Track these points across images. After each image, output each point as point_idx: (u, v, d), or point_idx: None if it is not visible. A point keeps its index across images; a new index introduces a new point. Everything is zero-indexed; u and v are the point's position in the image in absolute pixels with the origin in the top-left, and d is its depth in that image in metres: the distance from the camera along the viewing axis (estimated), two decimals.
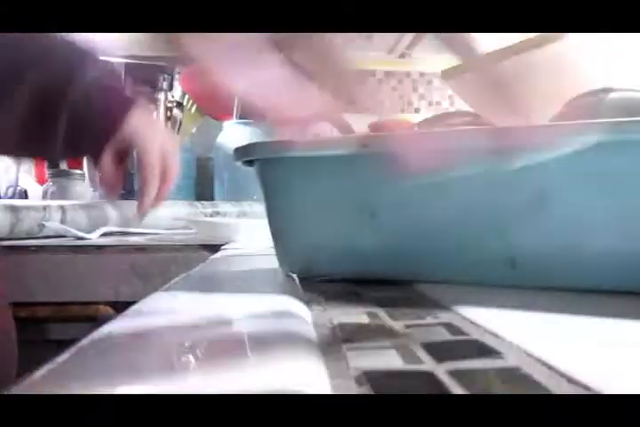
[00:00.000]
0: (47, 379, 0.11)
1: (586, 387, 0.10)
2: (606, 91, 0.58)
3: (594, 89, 0.64)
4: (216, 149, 1.14)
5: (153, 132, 0.44)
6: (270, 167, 0.25)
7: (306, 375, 0.11)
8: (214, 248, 0.49)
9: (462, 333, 0.15)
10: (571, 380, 0.11)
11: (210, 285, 0.26)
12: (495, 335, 0.14)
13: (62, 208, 0.59)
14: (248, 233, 0.51)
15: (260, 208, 0.92)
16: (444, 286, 0.22)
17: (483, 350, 0.13)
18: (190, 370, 0.12)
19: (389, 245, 0.23)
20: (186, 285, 0.25)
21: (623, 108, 0.49)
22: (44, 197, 0.87)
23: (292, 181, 0.25)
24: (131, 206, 0.64)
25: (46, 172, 0.92)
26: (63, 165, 0.93)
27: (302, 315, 0.17)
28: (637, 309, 0.18)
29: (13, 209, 0.56)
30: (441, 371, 0.11)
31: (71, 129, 0.41)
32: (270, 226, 0.26)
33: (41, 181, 0.99)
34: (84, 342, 0.14)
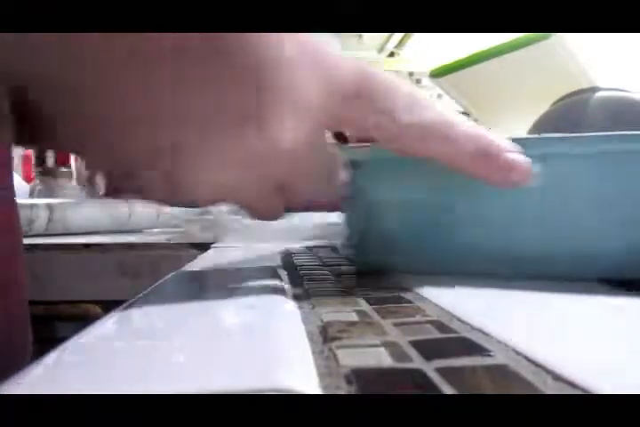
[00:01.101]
0: (33, 379, 0.11)
1: (572, 384, 0.10)
2: (592, 90, 0.59)
3: (580, 88, 0.64)
4: None
5: None
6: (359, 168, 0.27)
7: (294, 373, 0.11)
8: (204, 246, 0.49)
9: (451, 330, 0.15)
10: (557, 377, 0.11)
11: (198, 283, 0.26)
12: (484, 333, 0.14)
13: (50, 207, 0.59)
14: (239, 231, 0.51)
15: None
16: (432, 283, 0.22)
17: (471, 348, 0.13)
18: (177, 369, 0.12)
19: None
20: (174, 283, 0.25)
21: (609, 107, 0.50)
22: (32, 195, 0.86)
23: (379, 182, 0.26)
24: (119, 206, 0.64)
25: (33, 170, 0.91)
26: (50, 163, 0.92)
27: (291, 313, 0.17)
28: (626, 306, 0.19)
29: None
30: (430, 369, 0.12)
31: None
32: (353, 222, 0.28)
33: (28, 180, 0.98)
34: (72, 341, 0.14)
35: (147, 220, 0.67)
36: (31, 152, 0.98)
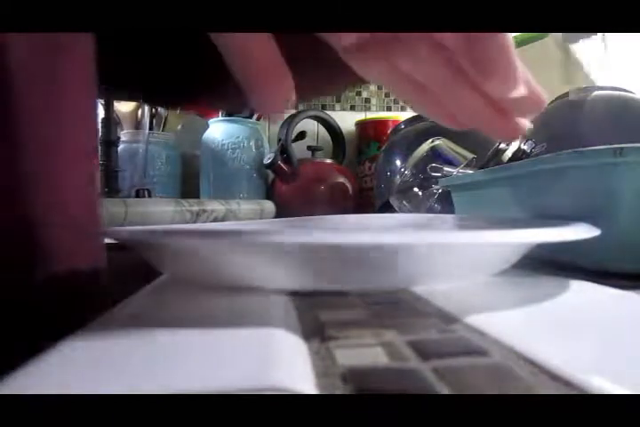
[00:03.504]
0: (28, 378, 0.11)
1: (568, 383, 0.10)
2: (590, 89, 0.59)
3: (578, 87, 0.64)
4: (202, 146, 1.13)
5: None
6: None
7: (291, 373, 0.11)
8: None
9: (448, 330, 0.15)
10: (554, 377, 0.11)
11: (191, 284, 0.26)
12: (480, 333, 0.14)
13: None
14: None
15: (246, 206, 0.92)
16: (429, 283, 0.22)
17: (468, 348, 0.13)
18: (174, 369, 0.12)
19: None
20: (168, 284, 0.25)
21: (606, 106, 0.50)
22: None
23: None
24: (116, 205, 0.63)
25: None
26: None
27: (288, 312, 0.17)
28: (625, 306, 0.19)
29: None
30: (426, 368, 0.12)
31: None
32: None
33: None
34: (67, 341, 0.14)
35: (143, 220, 0.67)
36: None
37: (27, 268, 0.24)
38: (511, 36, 0.20)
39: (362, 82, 0.39)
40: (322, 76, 0.37)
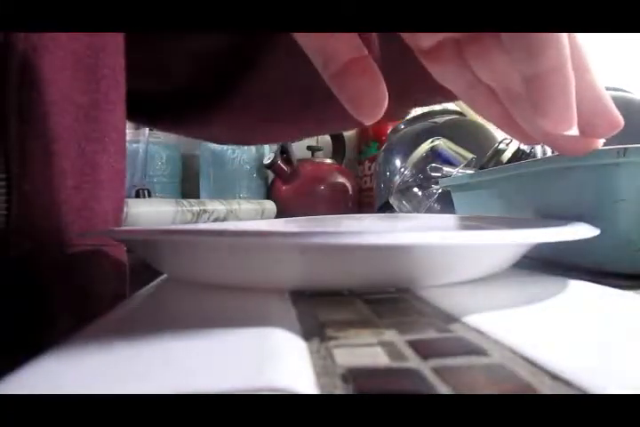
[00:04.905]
0: (28, 378, 0.11)
1: (568, 383, 0.10)
2: None
3: None
4: (202, 146, 1.13)
5: None
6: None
7: (291, 373, 0.11)
8: None
9: (447, 330, 0.15)
10: (554, 376, 0.11)
11: (191, 284, 0.26)
12: (480, 332, 0.14)
13: None
14: None
15: (247, 206, 0.92)
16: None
17: (468, 348, 0.13)
18: (173, 369, 0.12)
19: None
20: (168, 283, 0.25)
21: None
22: None
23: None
24: None
25: None
26: None
27: (288, 312, 0.17)
28: (624, 306, 0.19)
29: None
30: (426, 368, 0.12)
31: None
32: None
33: None
34: (69, 340, 0.14)
35: (144, 220, 0.67)
36: None
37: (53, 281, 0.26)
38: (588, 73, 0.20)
39: (435, 95, 0.39)
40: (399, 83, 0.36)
